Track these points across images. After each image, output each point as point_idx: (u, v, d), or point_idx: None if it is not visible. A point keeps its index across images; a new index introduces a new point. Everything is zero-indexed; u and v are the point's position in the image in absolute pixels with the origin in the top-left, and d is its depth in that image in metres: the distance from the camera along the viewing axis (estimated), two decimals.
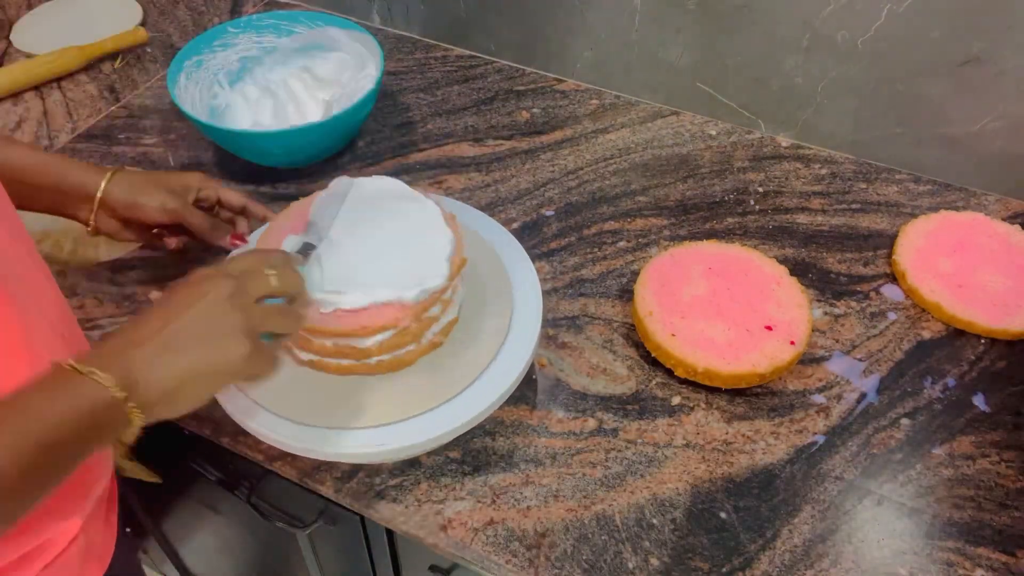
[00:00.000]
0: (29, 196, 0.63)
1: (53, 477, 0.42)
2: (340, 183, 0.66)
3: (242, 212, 0.72)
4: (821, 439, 0.66)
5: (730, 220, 0.85)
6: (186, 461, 0.80)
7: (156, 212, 0.66)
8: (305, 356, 0.61)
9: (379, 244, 0.61)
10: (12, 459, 0.38)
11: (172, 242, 0.72)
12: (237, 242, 0.70)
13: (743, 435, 0.66)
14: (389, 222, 0.63)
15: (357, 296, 0.57)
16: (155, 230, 0.70)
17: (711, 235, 0.83)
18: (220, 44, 0.90)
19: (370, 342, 0.58)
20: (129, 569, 0.77)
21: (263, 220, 0.73)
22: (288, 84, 0.92)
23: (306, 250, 0.59)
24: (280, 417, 0.59)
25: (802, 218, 0.85)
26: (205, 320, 0.45)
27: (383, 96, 1.00)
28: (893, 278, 0.79)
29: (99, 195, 0.65)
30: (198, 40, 0.88)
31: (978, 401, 0.69)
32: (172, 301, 0.46)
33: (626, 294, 0.77)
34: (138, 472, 0.54)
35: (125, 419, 0.42)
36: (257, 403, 0.59)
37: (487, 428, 0.66)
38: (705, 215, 0.85)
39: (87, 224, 0.67)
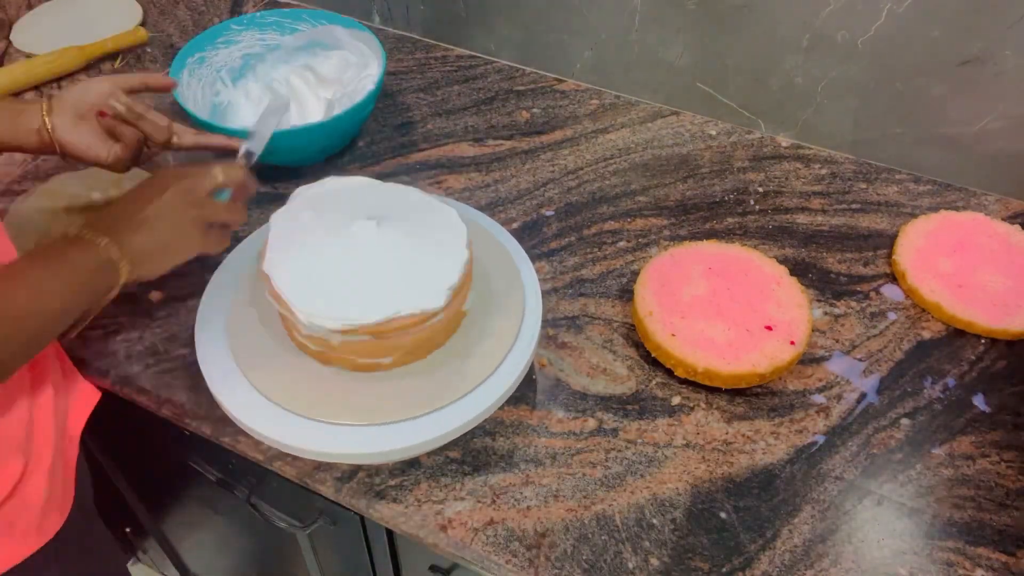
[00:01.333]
0: None
1: (58, 325, 0.54)
2: (278, 101, 0.80)
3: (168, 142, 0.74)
4: (821, 439, 0.66)
5: (730, 220, 0.85)
6: (186, 461, 0.81)
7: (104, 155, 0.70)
8: (314, 347, 0.61)
9: (394, 255, 0.62)
10: (37, 306, 0.51)
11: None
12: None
13: (743, 435, 0.66)
14: (408, 231, 0.63)
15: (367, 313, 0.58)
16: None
17: (711, 235, 0.83)
18: (223, 41, 0.90)
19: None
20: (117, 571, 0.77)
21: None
22: (290, 82, 0.92)
23: (248, 156, 0.71)
24: (281, 408, 0.59)
25: (802, 218, 0.85)
26: (169, 210, 0.59)
27: (383, 96, 1.00)
28: (893, 278, 0.79)
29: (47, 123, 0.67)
30: (201, 37, 0.88)
31: (978, 401, 0.69)
32: (144, 193, 0.60)
33: (626, 294, 0.77)
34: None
35: (116, 273, 0.56)
36: (259, 391, 0.60)
37: (487, 428, 0.66)
38: (705, 215, 0.85)
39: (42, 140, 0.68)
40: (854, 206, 0.87)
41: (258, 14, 0.92)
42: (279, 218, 0.64)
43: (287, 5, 1.13)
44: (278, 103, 0.78)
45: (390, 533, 0.73)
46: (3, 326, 0.49)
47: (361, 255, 0.61)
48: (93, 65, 1.03)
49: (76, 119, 0.67)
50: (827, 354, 0.72)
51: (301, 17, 0.93)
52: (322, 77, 0.93)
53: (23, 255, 0.54)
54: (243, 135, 0.76)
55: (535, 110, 0.98)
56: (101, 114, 0.70)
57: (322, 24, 0.93)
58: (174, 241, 0.60)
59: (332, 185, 0.67)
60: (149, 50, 1.06)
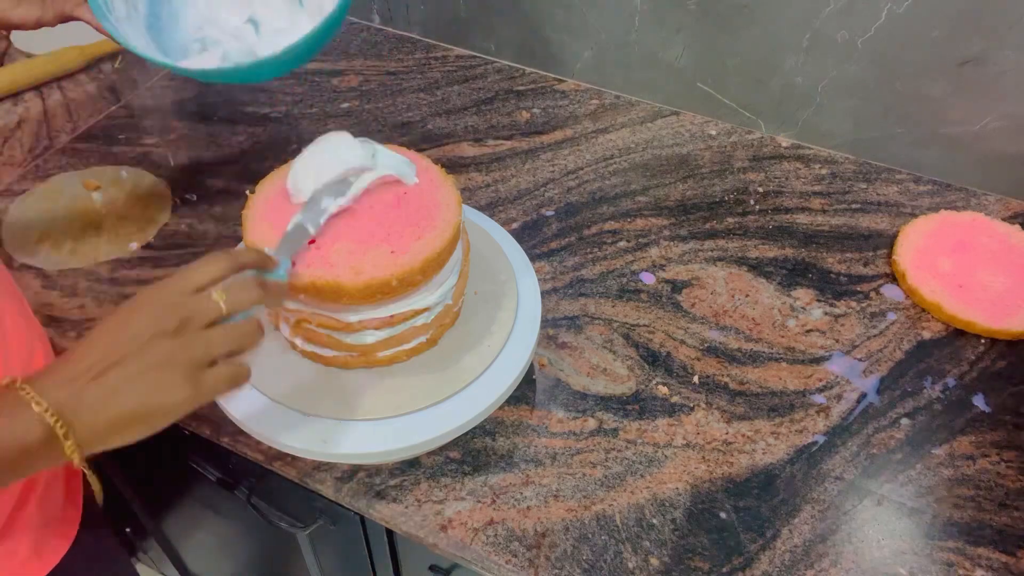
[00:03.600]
0: None
1: None
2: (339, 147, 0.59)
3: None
4: (821, 439, 0.66)
5: (730, 220, 0.85)
6: (186, 461, 0.80)
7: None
8: (370, 339, 0.60)
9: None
10: None
11: None
12: None
13: (743, 435, 0.66)
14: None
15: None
16: None
17: (711, 235, 0.83)
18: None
19: (357, 317, 0.58)
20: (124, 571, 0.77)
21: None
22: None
23: (298, 235, 0.55)
24: (280, 406, 0.59)
25: (802, 218, 0.85)
26: (144, 360, 0.42)
27: (383, 96, 1.00)
28: (893, 278, 0.79)
29: None
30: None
31: (978, 401, 0.69)
32: (113, 326, 0.44)
33: (626, 294, 0.77)
34: (89, 477, 0.54)
35: (61, 453, 0.41)
36: (255, 388, 0.60)
37: (487, 428, 0.66)
38: (705, 215, 0.85)
39: None
40: (854, 206, 0.87)
41: None
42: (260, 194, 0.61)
43: None
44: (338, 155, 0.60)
45: (390, 533, 0.73)
46: None
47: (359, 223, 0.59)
48: (93, 65, 1.03)
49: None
50: (827, 354, 0.72)
51: None
52: None
53: None
54: (231, 72, 0.64)
55: (535, 110, 0.98)
56: None
57: None
58: (148, 402, 0.42)
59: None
60: None
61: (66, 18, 0.68)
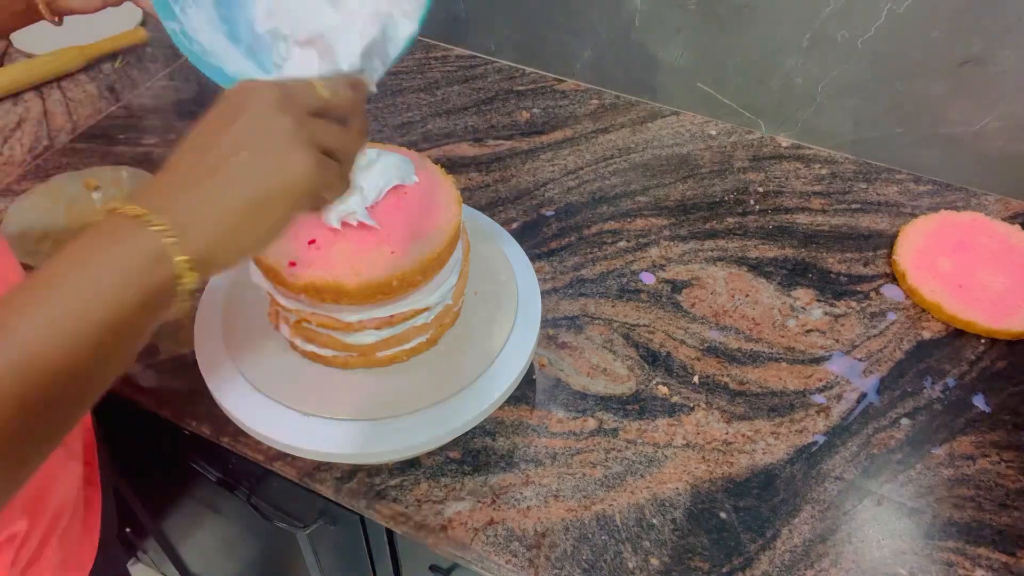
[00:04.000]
0: None
1: (103, 372, 0.34)
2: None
3: None
4: (821, 439, 0.66)
5: (730, 220, 0.85)
6: (186, 461, 0.80)
7: None
8: (370, 339, 0.60)
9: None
10: (67, 350, 0.31)
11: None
12: None
13: (743, 435, 0.66)
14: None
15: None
16: None
17: (711, 235, 0.83)
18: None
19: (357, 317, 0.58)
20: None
21: None
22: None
23: (370, 71, 0.50)
24: (280, 406, 0.59)
25: (802, 218, 0.85)
26: (251, 133, 0.36)
27: (383, 96, 1.00)
28: (893, 278, 0.79)
29: None
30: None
31: (978, 401, 0.69)
32: (208, 123, 0.37)
33: (626, 294, 0.77)
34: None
35: (174, 278, 0.34)
36: (255, 388, 0.60)
37: (487, 428, 0.66)
38: (705, 215, 0.85)
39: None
40: (854, 206, 0.87)
41: None
42: None
43: None
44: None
45: (390, 533, 0.73)
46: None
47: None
48: (93, 65, 1.03)
49: None
50: (827, 354, 0.72)
51: None
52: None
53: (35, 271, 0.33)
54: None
55: (535, 110, 0.98)
56: None
57: None
58: (275, 174, 0.36)
59: None
60: (149, 50, 1.06)
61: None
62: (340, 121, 0.42)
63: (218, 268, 0.36)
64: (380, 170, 0.58)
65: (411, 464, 0.63)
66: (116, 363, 0.34)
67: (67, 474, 0.57)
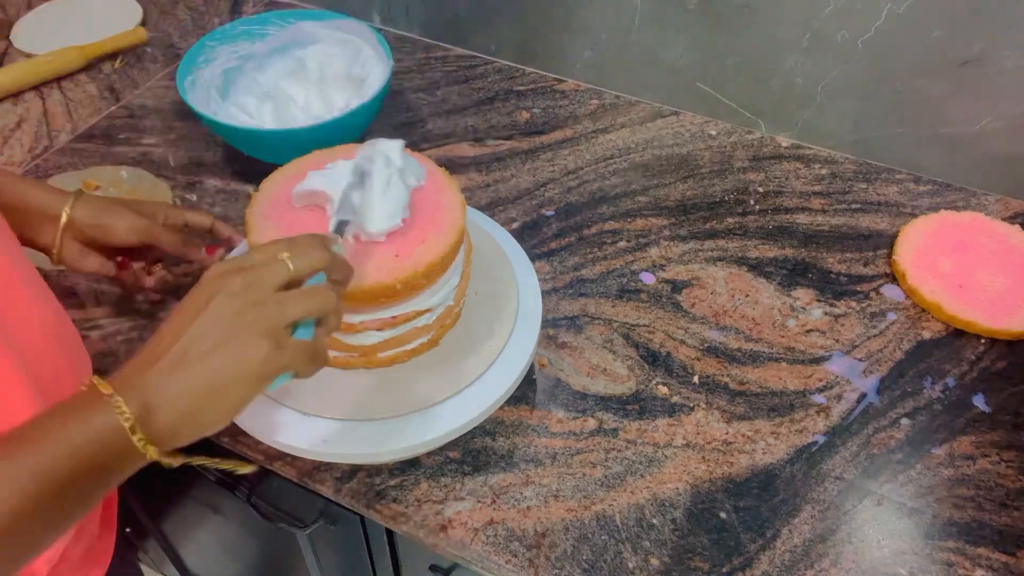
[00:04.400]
0: None
1: (62, 518, 0.39)
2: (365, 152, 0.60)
3: (210, 232, 0.70)
4: (821, 439, 0.66)
5: (730, 220, 0.85)
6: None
7: (125, 232, 0.63)
8: (372, 340, 0.60)
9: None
10: (11, 499, 0.36)
11: (148, 280, 0.70)
12: (212, 254, 0.69)
13: (743, 435, 0.66)
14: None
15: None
16: (119, 258, 0.68)
17: (711, 235, 0.83)
18: (203, 60, 0.87)
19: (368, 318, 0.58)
20: (127, 570, 0.77)
21: (228, 242, 0.71)
22: (280, 85, 0.91)
23: (340, 228, 0.53)
24: (280, 406, 0.59)
25: (802, 218, 0.85)
26: (215, 324, 0.40)
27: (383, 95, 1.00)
28: (893, 278, 0.79)
29: (64, 216, 0.61)
30: (186, 58, 0.84)
31: (978, 401, 0.69)
32: (183, 309, 0.42)
33: (626, 294, 0.77)
34: (212, 463, 0.50)
35: (135, 450, 0.39)
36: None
37: (487, 428, 0.66)
38: (705, 215, 0.85)
39: (49, 250, 0.63)
40: (854, 206, 0.87)
41: (228, 26, 0.90)
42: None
43: (287, 5, 1.13)
44: (363, 163, 0.60)
45: (390, 533, 0.73)
46: None
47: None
48: (93, 65, 1.03)
49: (86, 251, 0.63)
50: (827, 354, 0.72)
51: (269, 21, 0.91)
52: (311, 75, 0.92)
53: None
54: (271, 135, 0.72)
55: (535, 110, 0.98)
56: (122, 265, 0.67)
57: (290, 23, 0.92)
58: (231, 364, 0.40)
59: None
60: (149, 50, 1.06)
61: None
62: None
63: (181, 442, 0.41)
64: (396, 194, 0.58)
65: (411, 464, 0.63)
66: (81, 507, 0.40)
67: None
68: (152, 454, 0.40)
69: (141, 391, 0.39)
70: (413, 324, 0.60)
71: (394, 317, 0.58)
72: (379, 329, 0.59)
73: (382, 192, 0.57)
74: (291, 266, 0.44)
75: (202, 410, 0.40)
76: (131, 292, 0.74)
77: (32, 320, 0.51)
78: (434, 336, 0.63)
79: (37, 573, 0.52)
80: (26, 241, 0.62)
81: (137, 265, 0.70)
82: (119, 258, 0.68)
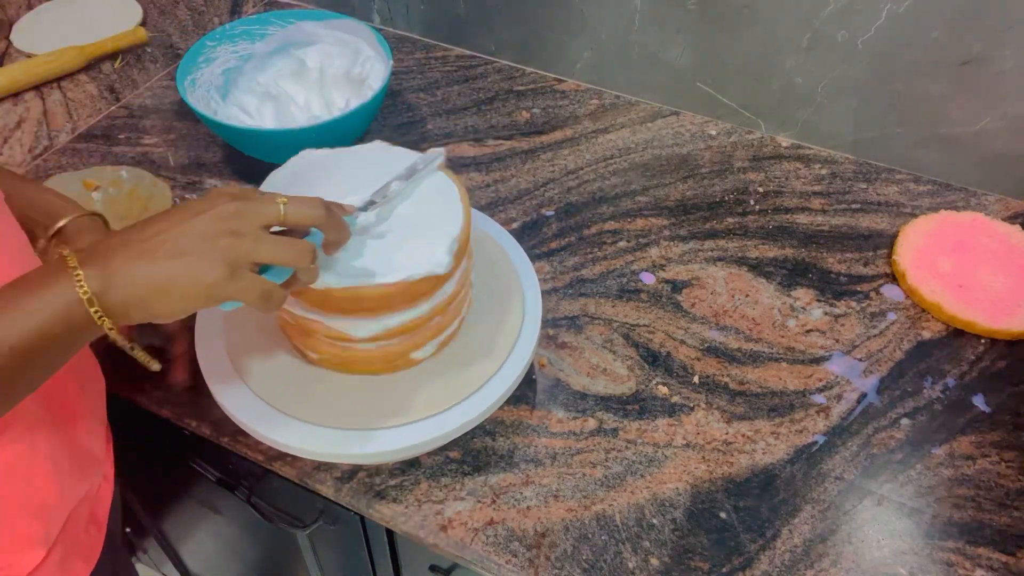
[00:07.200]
0: None
1: (20, 383, 0.43)
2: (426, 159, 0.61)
3: None
4: (821, 439, 0.66)
5: (730, 220, 0.85)
6: (186, 461, 0.80)
7: None
8: (314, 356, 0.60)
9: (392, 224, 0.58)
10: None
11: None
12: None
13: (743, 435, 0.66)
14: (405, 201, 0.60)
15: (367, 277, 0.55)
16: None
17: (711, 235, 0.83)
18: (203, 60, 0.88)
19: (377, 327, 0.58)
20: (120, 569, 0.76)
21: None
22: (280, 85, 0.92)
23: (367, 206, 0.56)
24: (280, 412, 0.59)
25: (802, 218, 0.85)
26: (190, 236, 0.44)
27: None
28: (893, 278, 0.79)
29: (57, 226, 0.60)
30: (186, 59, 0.85)
31: (978, 401, 0.69)
32: (177, 210, 0.45)
33: (626, 294, 0.77)
34: (139, 356, 0.51)
35: (91, 322, 0.42)
36: (257, 395, 0.59)
37: (487, 428, 0.66)
38: (705, 215, 0.85)
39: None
40: (854, 206, 0.87)
41: (228, 26, 0.90)
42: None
43: (287, 5, 1.13)
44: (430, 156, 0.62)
45: (390, 533, 0.73)
46: None
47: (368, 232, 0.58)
48: (93, 65, 1.03)
49: None
50: (827, 354, 0.72)
51: (269, 21, 0.92)
52: (311, 75, 0.92)
53: None
54: (275, 135, 0.73)
55: (535, 110, 0.98)
56: None
57: (290, 23, 0.92)
58: (184, 274, 0.43)
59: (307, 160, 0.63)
60: (149, 50, 1.06)
61: None
62: (303, 233, 0.50)
63: (131, 321, 0.44)
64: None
65: (411, 464, 0.63)
66: (42, 370, 0.44)
67: (70, 494, 0.57)
68: (107, 325, 0.43)
69: (103, 268, 0.42)
70: (412, 329, 0.60)
71: (401, 324, 0.58)
72: (385, 336, 0.59)
73: (409, 199, 0.59)
74: (283, 211, 0.46)
75: (150, 302, 0.44)
76: None
77: None
78: (435, 337, 0.63)
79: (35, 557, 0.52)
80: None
81: None
82: None
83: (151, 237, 0.44)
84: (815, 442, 0.66)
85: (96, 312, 0.42)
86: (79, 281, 0.42)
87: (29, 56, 1.02)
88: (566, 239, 0.82)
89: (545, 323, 0.73)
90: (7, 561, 0.51)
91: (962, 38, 0.79)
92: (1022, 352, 0.73)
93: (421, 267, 0.54)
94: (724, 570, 0.58)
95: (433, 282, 0.56)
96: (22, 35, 1.06)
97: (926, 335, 0.75)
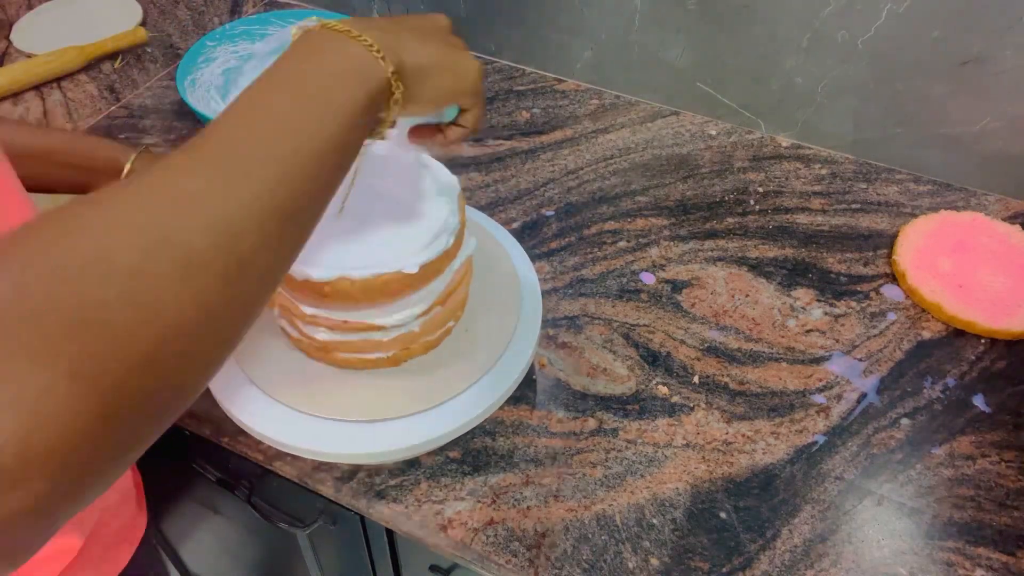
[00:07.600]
0: (58, 177, 0.63)
1: (333, 183, 0.39)
2: None
3: None
4: (821, 439, 0.66)
5: (730, 220, 0.85)
6: (186, 461, 0.80)
7: None
8: (322, 336, 0.60)
9: (383, 213, 0.59)
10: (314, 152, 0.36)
11: None
12: None
13: (743, 435, 0.66)
14: (396, 189, 0.61)
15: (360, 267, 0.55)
16: None
17: (711, 235, 0.83)
18: (203, 60, 0.89)
19: (386, 320, 0.57)
20: (148, 553, 0.76)
21: None
22: None
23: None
24: (281, 405, 0.59)
25: (802, 218, 0.85)
26: (434, 30, 0.46)
27: None
28: (893, 278, 0.79)
29: (126, 170, 0.64)
30: (186, 59, 0.86)
31: (978, 401, 0.69)
32: (396, 17, 0.46)
33: (626, 294, 0.77)
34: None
35: (388, 86, 0.40)
36: (255, 385, 0.59)
37: (487, 428, 0.66)
38: (705, 215, 0.85)
39: None
40: (854, 206, 0.87)
41: (228, 26, 0.91)
42: None
43: (287, 5, 1.13)
44: None
45: (390, 533, 0.73)
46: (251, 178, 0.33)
47: (351, 215, 0.58)
48: (93, 65, 1.03)
49: None
50: (827, 354, 0.72)
51: (269, 21, 0.92)
52: None
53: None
54: None
55: (535, 110, 0.98)
56: None
57: (290, 24, 0.93)
58: (460, 55, 0.46)
59: None
60: (149, 50, 1.06)
61: None
62: None
63: (405, 105, 0.42)
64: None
65: (411, 464, 0.63)
66: (339, 175, 0.39)
67: None
68: (400, 91, 0.41)
69: (375, 39, 0.40)
70: (366, 336, 0.59)
71: (345, 322, 0.57)
72: (328, 328, 0.58)
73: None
74: (472, 63, 0.47)
75: (431, 76, 0.44)
76: None
77: None
78: (394, 356, 0.62)
79: (71, 545, 0.53)
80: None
81: None
82: None
83: (401, 25, 0.44)
84: (815, 442, 0.66)
85: (395, 74, 0.40)
86: (370, 44, 0.40)
87: (29, 56, 1.02)
88: (566, 239, 0.82)
89: (545, 323, 0.73)
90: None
91: (962, 38, 0.79)
92: (1022, 352, 0.73)
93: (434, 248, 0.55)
94: (724, 570, 0.58)
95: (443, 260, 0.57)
96: (22, 35, 1.06)
97: (926, 335, 0.75)
